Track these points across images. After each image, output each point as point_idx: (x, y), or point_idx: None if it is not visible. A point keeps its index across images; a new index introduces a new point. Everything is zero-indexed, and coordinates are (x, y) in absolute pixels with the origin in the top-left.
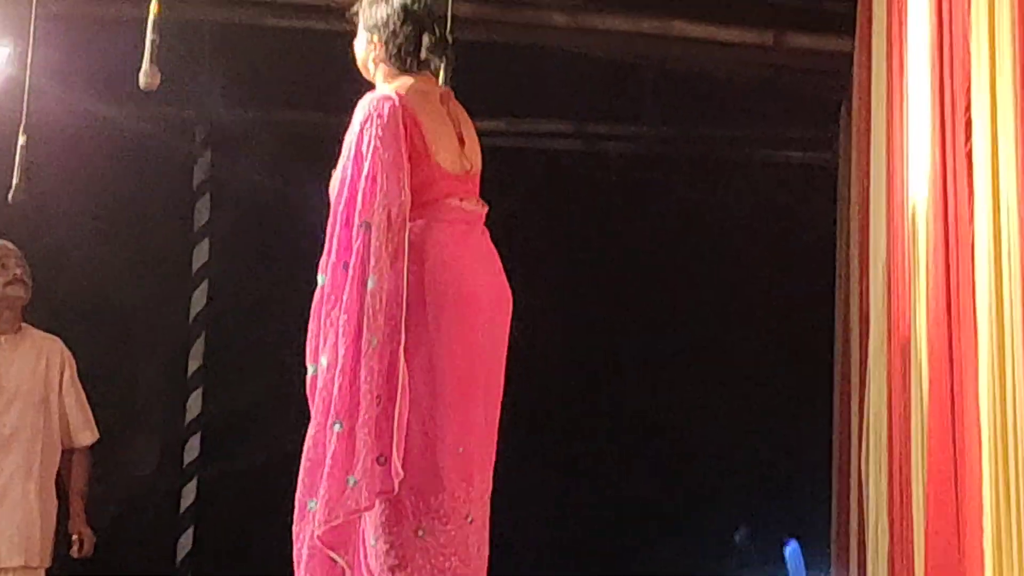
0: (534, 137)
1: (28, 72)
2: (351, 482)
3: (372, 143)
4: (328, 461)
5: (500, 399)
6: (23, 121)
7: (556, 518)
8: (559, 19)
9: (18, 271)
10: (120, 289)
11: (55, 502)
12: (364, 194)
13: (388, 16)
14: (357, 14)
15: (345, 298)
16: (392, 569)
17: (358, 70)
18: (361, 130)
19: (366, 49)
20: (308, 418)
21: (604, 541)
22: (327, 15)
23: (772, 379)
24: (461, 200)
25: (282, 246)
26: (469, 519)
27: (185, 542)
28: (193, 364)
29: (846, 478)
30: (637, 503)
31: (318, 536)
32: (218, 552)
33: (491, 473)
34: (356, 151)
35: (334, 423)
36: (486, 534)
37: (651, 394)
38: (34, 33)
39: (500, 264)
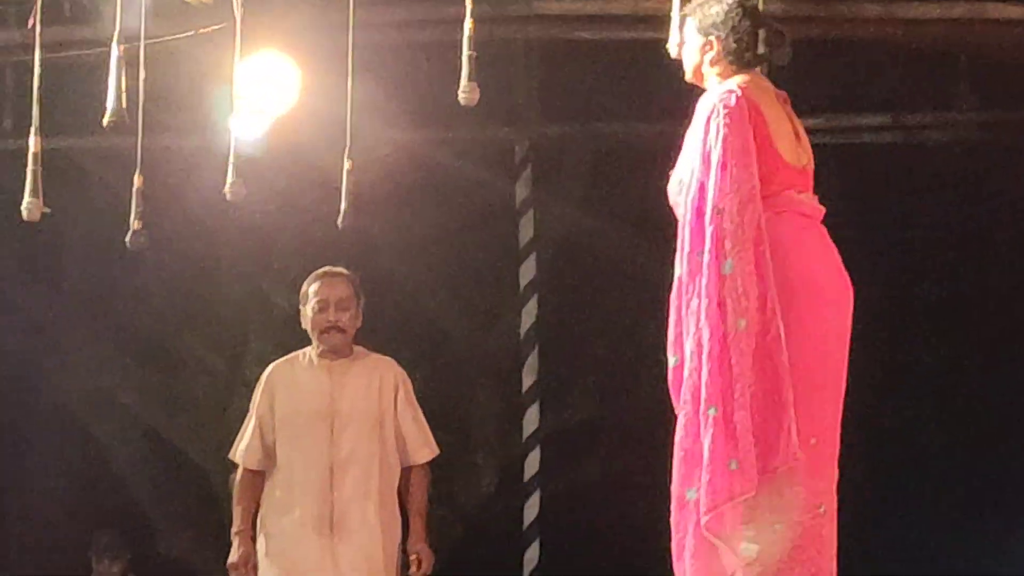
0: (851, 131)
1: (349, 99)
2: (733, 466)
3: (721, 132)
4: (708, 447)
5: (843, 393)
6: (348, 146)
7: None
8: (871, 10)
9: (334, 317)
10: (449, 310)
11: (398, 520)
12: (716, 181)
13: (726, 13)
14: (685, 20)
15: (704, 283)
16: (749, 563)
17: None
18: (707, 122)
19: (700, 51)
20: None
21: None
22: (636, 24)
23: None
24: (799, 193)
25: (609, 254)
26: (822, 509)
27: (531, 556)
28: (528, 379)
29: None
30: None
31: (704, 525)
32: (565, 565)
33: (836, 464)
34: (704, 143)
35: (709, 408)
36: (835, 524)
37: (986, 393)
38: (353, 63)
39: (840, 259)
